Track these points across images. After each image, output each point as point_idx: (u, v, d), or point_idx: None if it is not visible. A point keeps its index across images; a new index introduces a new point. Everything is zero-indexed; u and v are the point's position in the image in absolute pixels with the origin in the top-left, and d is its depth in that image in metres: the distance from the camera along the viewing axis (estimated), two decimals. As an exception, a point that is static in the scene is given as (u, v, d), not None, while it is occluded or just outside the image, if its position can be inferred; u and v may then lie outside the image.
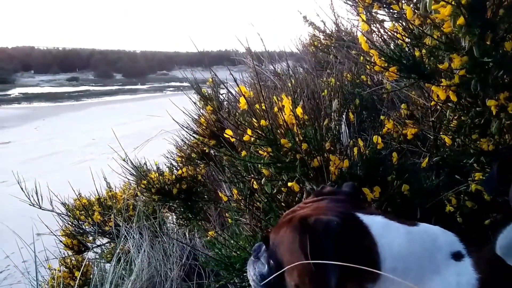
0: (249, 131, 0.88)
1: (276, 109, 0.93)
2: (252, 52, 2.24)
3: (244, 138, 0.90)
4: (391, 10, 1.06)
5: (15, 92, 34.54)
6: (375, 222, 0.75)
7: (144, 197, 1.91)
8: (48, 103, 27.54)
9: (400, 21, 1.01)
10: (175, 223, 2.05)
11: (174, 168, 1.95)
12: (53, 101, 28.47)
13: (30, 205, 2.03)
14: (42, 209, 2.00)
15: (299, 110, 0.94)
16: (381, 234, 0.73)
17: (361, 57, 1.63)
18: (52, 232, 2.05)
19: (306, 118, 1.01)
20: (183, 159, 1.83)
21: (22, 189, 2.01)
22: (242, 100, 0.90)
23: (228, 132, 0.95)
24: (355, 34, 2.11)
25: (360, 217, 0.75)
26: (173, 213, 2.03)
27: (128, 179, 2.32)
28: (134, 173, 2.04)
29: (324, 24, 2.40)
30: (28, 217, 6.81)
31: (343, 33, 2.16)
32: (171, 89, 41.55)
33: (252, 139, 0.91)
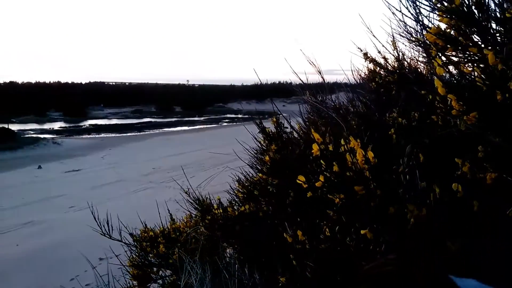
0: (321, 177, 0.88)
1: (347, 155, 0.92)
2: (308, 84, 2.26)
3: (316, 184, 0.90)
4: (468, 53, 1.03)
5: (86, 123, 37.76)
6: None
7: (206, 232, 1.95)
8: (114, 134, 29.71)
9: (480, 64, 0.98)
10: (234, 257, 2.05)
11: (235, 203, 1.98)
12: (119, 132, 30.65)
13: (101, 234, 2.15)
14: (112, 239, 2.12)
15: (370, 154, 0.93)
16: None
17: (430, 96, 1.58)
18: (121, 263, 2.15)
19: (376, 161, 0.99)
20: (245, 195, 1.85)
21: (95, 218, 2.15)
22: (315, 147, 0.91)
23: (301, 178, 0.96)
24: (421, 71, 2.05)
25: (455, 281, 0.69)
26: (232, 248, 2.04)
27: (190, 212, 2.39)
28: (198, 207, 2.10)
29: (386, 61, 2.37)
30: (91, 242, 7.22)
31: (407, 70, 2.11)
32: (226, 120, 43.00)
33: (321, 184, 0.91)
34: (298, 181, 0.95)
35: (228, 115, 50.49)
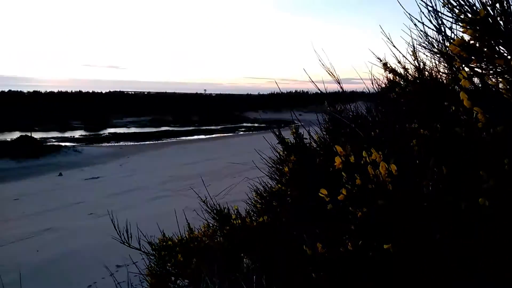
0: (344, 191, 0.88)
1: (369, 168, 0.92)
2: (326, 93, 2.25)
3: (338, 198, 0.89)
4: (493, 65, 1.01)
5: (106, 132, 38.55)
6: None
7: (224, 241, 1.95)
8: (133, 142, 30.21)
9: (506, 75, 0.96)
10: (252, 268, 2.04)
11: (253, 214, 1.98)
12: (137, 141, 31.16)
13: (121, 242, 2.18)
14: (131, 247, 2.14)
15: (393, 167, 0.92)
16: None
17: (453, 108, 1.55)
18: (140, 271, 2.17)
19: (399, 174, 0.97)
20: (263, 206, 1.85)
21: (115, 227, 2.18)
22: (338, 160, 0.91)
23: (323, 191, 0.96)
24: (443, 81, 2.02)
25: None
26: (250, 258, 2.03)
27: (208, 221, 2.40)
28: (216, 216, 2.10)
29: (407, 71, 2.35)
30: (109, 249, 7.31)
31: (428, 81, 2.09)
32: (243, 129, 43.19)
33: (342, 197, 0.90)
34: (320, 194, 0.95)
35: (245, 124, 50.70)
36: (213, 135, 36.62)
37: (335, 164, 0.95)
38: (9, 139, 25.67)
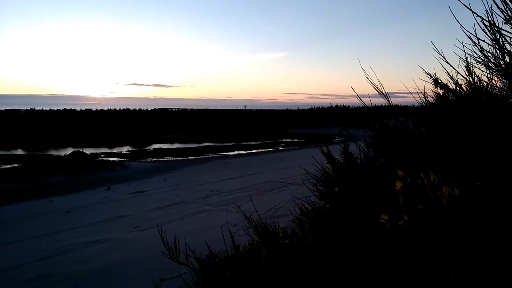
0: (405, 216, 0.84)
1: (428, 190, 0.88)
2: (372, 107, 2.20)
3: (400, 223, 0.86)
4: None
5: (151, 147, 40.08)
6: None
7: (270, 260, 1.94)
8: (176, 158, 31.13)
9: None
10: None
11: (299, 232, 1.95)
12: (180, 156, 32.07)
13: (169, 258, 2.22)
14: (179, 263, 2.18)
15: (456, 191, 0.88)
16: None
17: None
18: (186, 285, 2.20)
19: (462, 198, 0.92)
20: (311, 225, 1.82)
21: (164, 242, 2.23)
22: (399, 184, 0.88)
23: (384, 217, 0.93)
24: (502, 97, 1.92)
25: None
26: (297, 278, 1.99)
27: (253, 238, 2.39)
28: (261, 235, 2.10)
29: (460, 86, 2.26)
30: (154, 262, 7.45)
31: (484, 97, 1.98)
32: (282, 145, 43.14)
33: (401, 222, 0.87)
34: (381, 219, 0.92)
35: (284, 139, 50.64)
36: (253, 150, 36.86)
37: (396, 188, 0.92)
38: (63, 154, 27.38)
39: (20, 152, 36.32)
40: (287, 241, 1.77)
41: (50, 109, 69.54)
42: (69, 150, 28.54)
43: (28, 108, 67.80)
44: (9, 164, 25.55)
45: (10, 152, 35.63)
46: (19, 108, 69.12)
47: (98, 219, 12.26)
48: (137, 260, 7.76)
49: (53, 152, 34.33)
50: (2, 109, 67.59)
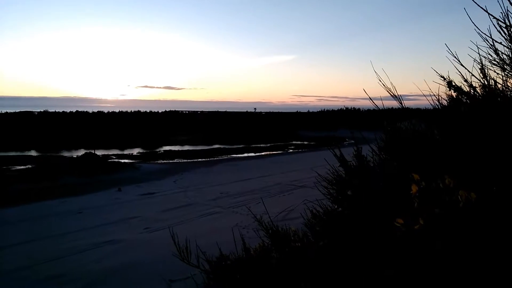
0: (421, 220, 0.83)
1: (444, 194, 0.87)
2: (384, 109, 2.18)
3: (415, 227, 0.85)
4: None
5: (161, 149, 40.37)
6: None
7: (280, 263, 1.94)
8: (186, 160, 31.29)
9: None
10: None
11: (310, 235, 1.94)
12: (190, 158, 32.23)
13: (181, 260, 2.24)
14: (191, 265, 2.19)
15: (473, 195, 0.86)
16: None
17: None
18: (197, 285, 2.20)
19: (478, 202, 0.91)
20: (322, 228, 1.81)
21: (175, 243, 2.25)
22: (414, 187, 0.87)
23: (399, 221, 0.92)
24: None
25: None
26: (308, 282, 1.98)
27: (263, 241, 2.39)
28: (272, 237, 2.10)
29: (474, 89, 2.22)
30: (163, 263, 7.49)
31: (500, 100, 1.95)
32: (292, 147, 43.05)
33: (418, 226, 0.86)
34: (396, 223, 0.91)
35: (294, 142, 50.52)
36: (263, 153, 36.86)
37: (411, 192, 0.91)
38: (75, 156, 27.73)
39: (33, 153, 36.93)
40: (299, 244, 1.77)
41: (63, 111, 70.68)
42: (81, 152, 28.90)
43: (42, 110, 68.98)
44: (24, 165, 25.98)
45: (24, 154, 36.26)
46: (33, 110, 70.41)
47: (109, 220, 12.37)
48: (148, 261, 7.81)
49: (66, 154, 34.81)
50: (17, 110, 68.88)
